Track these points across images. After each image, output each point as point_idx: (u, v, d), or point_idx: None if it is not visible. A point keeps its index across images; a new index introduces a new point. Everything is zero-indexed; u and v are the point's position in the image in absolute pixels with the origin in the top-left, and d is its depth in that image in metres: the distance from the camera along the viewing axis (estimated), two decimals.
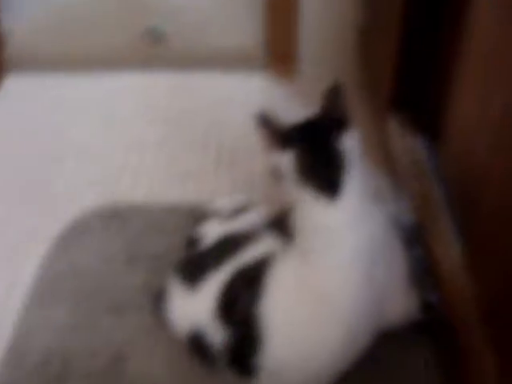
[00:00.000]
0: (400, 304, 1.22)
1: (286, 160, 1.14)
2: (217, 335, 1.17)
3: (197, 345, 1.22)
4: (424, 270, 1.38)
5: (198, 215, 1.53)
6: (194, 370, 1.23)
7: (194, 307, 1.22)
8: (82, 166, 1.80)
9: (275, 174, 1.17)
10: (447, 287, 1.23)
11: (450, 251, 1.28)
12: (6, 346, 1.29)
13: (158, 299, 1.32)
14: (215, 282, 1.21)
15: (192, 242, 1.40)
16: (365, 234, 1.13)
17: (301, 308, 1.13)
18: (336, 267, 1.12)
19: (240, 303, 1.16)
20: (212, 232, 1.38)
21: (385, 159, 1.75)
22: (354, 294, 1.11)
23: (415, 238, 1.45)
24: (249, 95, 2.07)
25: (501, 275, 1.05)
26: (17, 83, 2.16)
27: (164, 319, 1.29)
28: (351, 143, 1.15)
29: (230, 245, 1.28)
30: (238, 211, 1.51)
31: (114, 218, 1.57)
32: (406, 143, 1.60)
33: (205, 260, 1.27)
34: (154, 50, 2.24)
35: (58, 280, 1.41)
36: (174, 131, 1.92)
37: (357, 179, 1.14)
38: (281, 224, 1.39)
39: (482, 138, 1.22)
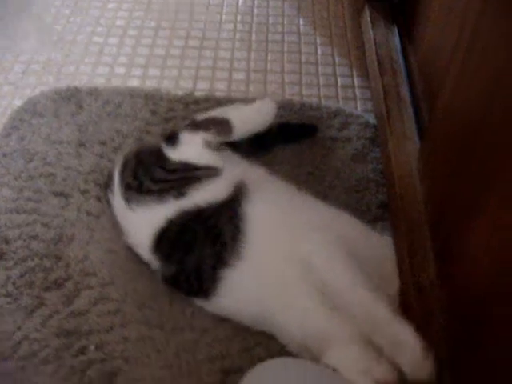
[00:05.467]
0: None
1: None
2: (152, 262, 1.15)
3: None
4: (381, 172, 1.35)
5: (156, 101, 1.48)
6: (132, 259, 1.20)
7: (131, 222, 1.18)
8: (43, 47, 1.71)
9: None
10: (401, 188, 1.18)
11: (408, 150, 1.23)
12: None
13: (104, 185, 1.28)
14: (159, 214, 1.13)
15: (169, 139, 1.27)
16: None
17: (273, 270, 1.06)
18: None
19: (193, 250, 1.10)
20: (188, 150, 1.22)
21: (356, 56, 1.68)
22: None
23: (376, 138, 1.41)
24: None
25: (446, 181, 1.00)
26: None
27: (108, 205, 1.26)
28: None
29: (185, 177, 1.17)
30: None
31: (68, 101, 1.51)
32: (380, 36, 1.51)
33: (160, 181, 1.18)
34: None
35: (5, 161, 1.37)
36: (142, 15, 1.83)
37: None
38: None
39: (448, 37, 1.14)
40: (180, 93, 1.54)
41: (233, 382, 1.03)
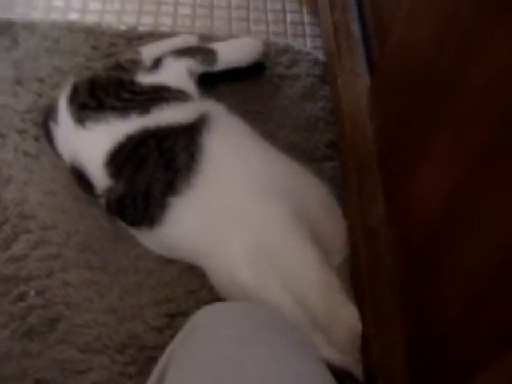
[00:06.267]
0: None
1: None
2: (101, 180, 1.09)
3: (78, 177, 1.14)
4: (330, 111, 1.32)
5: (97, 37, 1.41)
6: (73, 200, 1.15)
7: (84, 141, 1.12)
8: None
9: None
10: (350, 125, 1.15)
11: (358, 87, 1.20)
12: None
13: (43, 120, 1.22)
14: (120, 130, 1.09)
15: (117, 68, 1.26)
16: None
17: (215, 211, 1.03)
18: None
19: (145, 169, 1.06)
20: (169, 74, 1.22)
21: None
22: None
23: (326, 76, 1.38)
24: None
25: (396, 118, 0.98)
26: None
27: (48, 145, 1.20)
28: None
29: (153, 98, 1.14)
30: None
31: (2, 35, 1.41)
32: None
33: (126, 100, 1.14)
34: None
35: None
36: None
37: None
38: None
39: None
40: (123, 27, 1.47)
41: (179, 325, 1.00)
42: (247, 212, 1.00)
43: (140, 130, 1.08)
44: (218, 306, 0.84)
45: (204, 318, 0.77)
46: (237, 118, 1.17)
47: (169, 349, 0.80)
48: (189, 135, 1.07)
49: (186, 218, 1.03)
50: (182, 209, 1.02)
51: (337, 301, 0.93)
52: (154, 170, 1.05)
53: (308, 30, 1.54)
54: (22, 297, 1.04)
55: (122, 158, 1.08)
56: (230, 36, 1.46)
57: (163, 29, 1.50)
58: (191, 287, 1.06)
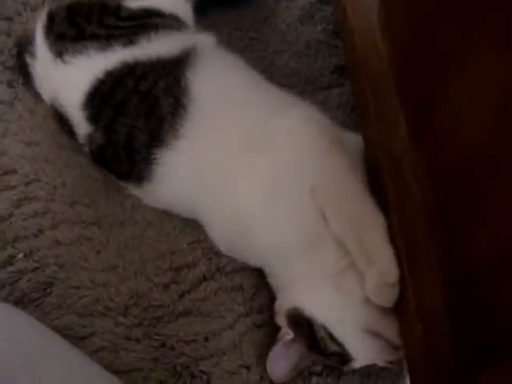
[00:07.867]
0: None
1: None
2: (81, 126, 0.98)
3: (60, 121, 1.02)
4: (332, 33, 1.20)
5: None
6: (58, 149, 1.05)
7: (63, 78, 0.99)
8: None
9: None
10: (361, 46, 1.03)
11: (367, 1, 1.07)
12: None
13: (18, 56, 1.09)
14: (100, 64, 0.96)
15: None
16: None
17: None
18: None
19: (124, 116, 0.93)
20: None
21: None
22: None
23: None
24: None
25: (413, 31, 0.86)
26: None
27: (23, 89, 1.09)
28: None
29: (142, 24, 1.00)
30: None
31: None
32: None
33: (111, 26, 1.00)
34: None
35: None
36: None
37: None
38: None
39: None
40: None
41: (185, 279, 0.93)
42: (252, 154, 0.88)
43: (120, 65, 0.95)
44: None
45: None
46: (227, 52, 1.03)
47: None
48: (170, 74, 0.93)
49: (178, 172, 0.92)
50: (171, 162, 0.91)
51: (377, 239, 0.82)
52: (135, 117, 0.92)
53: None
54: (9, 261, 0.96)
55: (100, 99, 0.95)
56: None
57: None
58: (196, 237, 0.98)
